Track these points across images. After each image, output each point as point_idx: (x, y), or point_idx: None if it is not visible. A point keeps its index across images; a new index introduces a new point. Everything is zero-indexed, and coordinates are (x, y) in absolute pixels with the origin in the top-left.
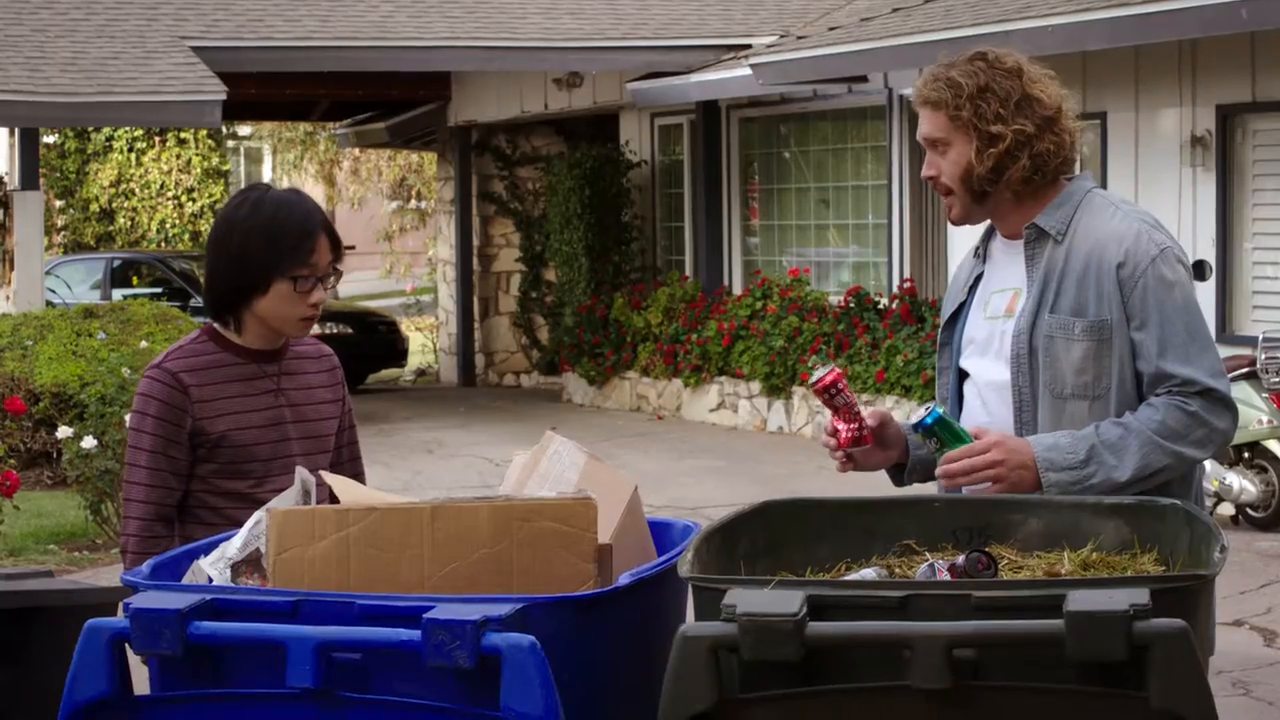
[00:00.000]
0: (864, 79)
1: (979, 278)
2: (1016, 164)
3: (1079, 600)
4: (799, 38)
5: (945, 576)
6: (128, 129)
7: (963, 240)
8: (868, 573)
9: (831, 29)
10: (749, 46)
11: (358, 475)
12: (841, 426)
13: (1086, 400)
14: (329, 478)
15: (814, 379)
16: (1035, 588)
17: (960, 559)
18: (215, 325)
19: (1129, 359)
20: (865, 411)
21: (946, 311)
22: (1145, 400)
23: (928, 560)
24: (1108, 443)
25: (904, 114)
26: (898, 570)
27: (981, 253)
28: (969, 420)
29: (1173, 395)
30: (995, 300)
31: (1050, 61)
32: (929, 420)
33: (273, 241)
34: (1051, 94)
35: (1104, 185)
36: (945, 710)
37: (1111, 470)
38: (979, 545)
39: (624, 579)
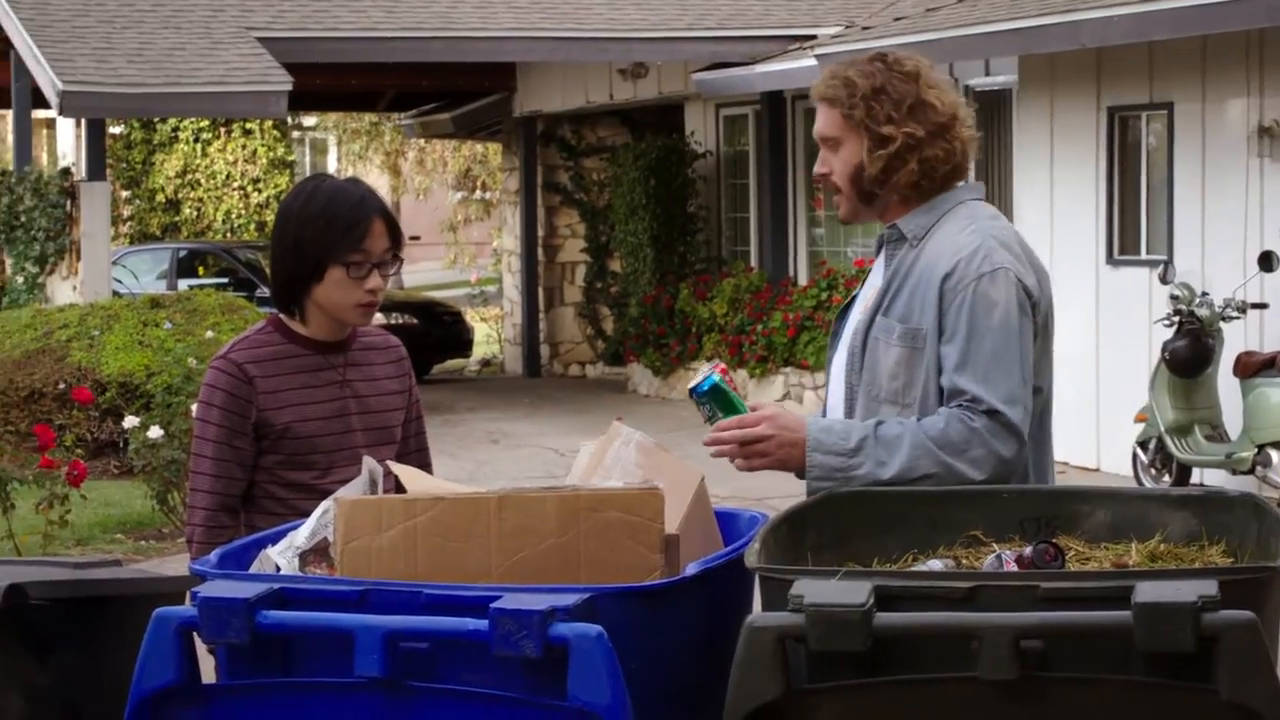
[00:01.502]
0: None
1: (869, 273)
2: (905, 167)
3: (1147, 592)
4: (864, 28)
5: (1012, 568)
6: (193, 120)
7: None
8: (934, 564)
9: (897, 19)
10: (814, 37)
11: (425, 466)
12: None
13: (896, 406)
14: (396, 468)
15: (693, 383)
16: (1103, 579)
17: (1027, 550)
18: (281, 316)
19: (935, 372)
20: (753, 410)
21: (845, 304)
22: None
23: (995, 551)
24: (882, 438)
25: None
26: (965, 561)
27: (877, 249)
28: (828, 411)
29: (961, 409)
30: (866, 296)
31: (1116, 51)
32: (704, 387)
33: (326, 228)
34: (946, 102)
35: (1170, 177)
36: (1012, 701)
37: (877, 466)
38: (1046, 536)
39: (691, 569)
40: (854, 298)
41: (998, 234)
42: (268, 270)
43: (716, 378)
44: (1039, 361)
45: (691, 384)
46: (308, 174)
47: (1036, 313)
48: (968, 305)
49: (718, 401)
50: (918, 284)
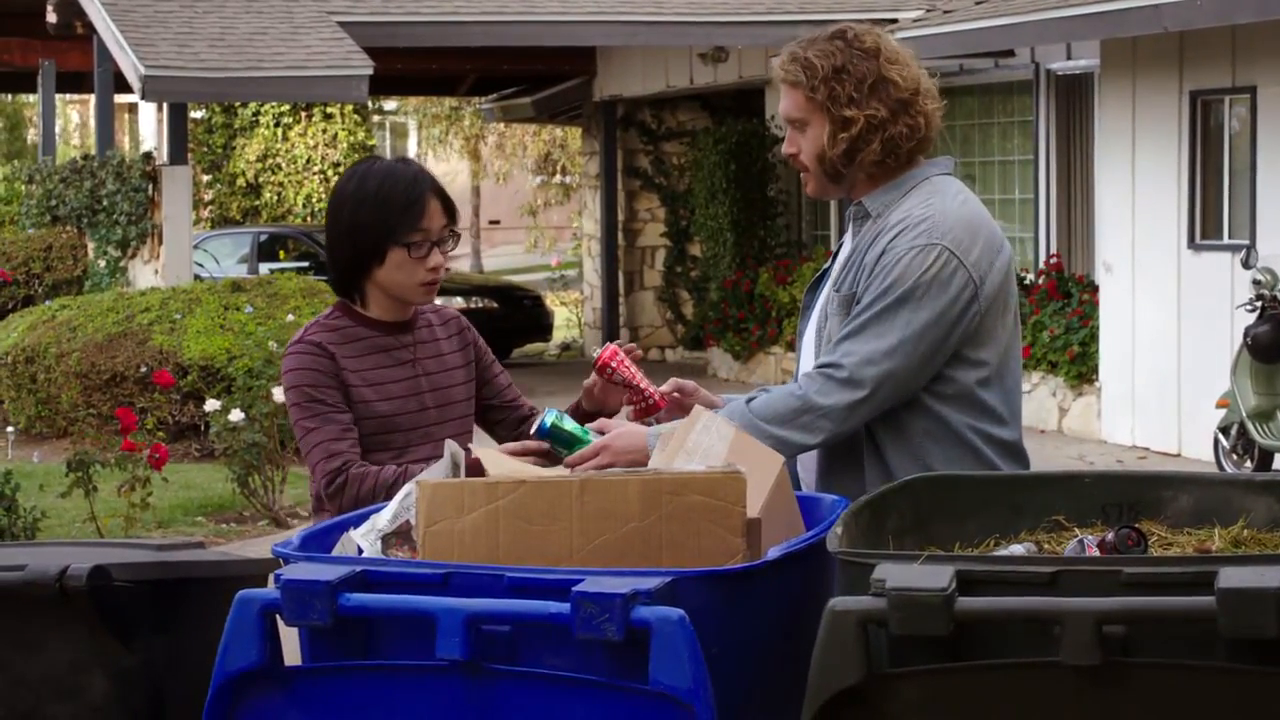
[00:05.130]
0: (1011, 53)
1: (841, 247)
2: (868, 148)
3: (1230, 577)
4: (945, 11)
5: (1094, 553)
6: (274, 104)
7: (1110, 216)
8: (1016, 548)
9: (979, 2)
10: (895, 20)
11: (520, 407)
12: (628, 406)
13: None
14: (478, 451)
15: (533, 428)
16: (1186, 564)
17: (1110, 535)
18: (345, 302)
19: None
20: (667, 383)
21: (816, 277)
22: None
23: (1077, 536)
24: None
25: (1051, 89)
26: (1047, 546)
27: (848, 223)
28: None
29: (806, 375)
30: (834, 272)
31: (1199, 35)
32: (543, 431)
33: (381, 210)
34: (908, 76)
35: (1253, 162)
36: (1094, 686)
37: None
38: (1128, 521)
39: (773, 553)
40: (823, 273)
41: (953, 210)
42: None
43: (549, 420)
44: (980, 334)
45: (532, 429)
46: (388, 159)
47: (979, 290)
48: (885, 271)
49: (558, 441)
50: (867, 255)
